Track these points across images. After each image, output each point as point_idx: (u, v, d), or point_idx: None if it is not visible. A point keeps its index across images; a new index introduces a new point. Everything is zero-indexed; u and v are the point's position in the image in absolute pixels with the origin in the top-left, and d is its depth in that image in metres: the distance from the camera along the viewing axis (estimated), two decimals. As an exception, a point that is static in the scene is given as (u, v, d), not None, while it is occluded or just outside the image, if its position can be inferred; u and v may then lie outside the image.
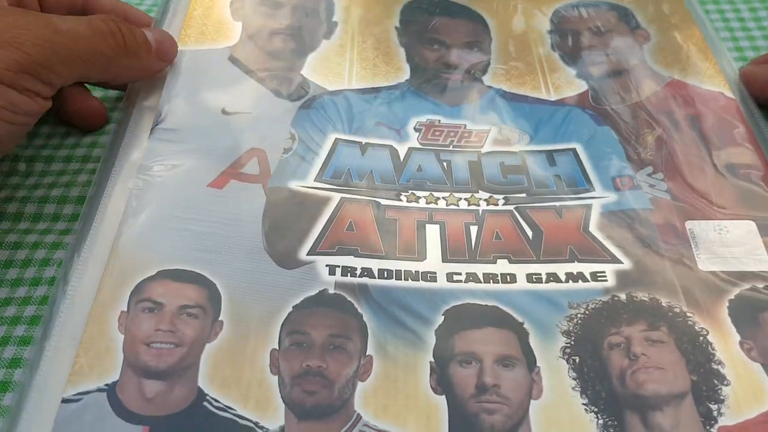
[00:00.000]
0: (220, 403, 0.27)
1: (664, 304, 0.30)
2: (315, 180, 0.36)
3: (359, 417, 0.27)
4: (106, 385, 0.27)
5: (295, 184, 0.35)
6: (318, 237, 0.33)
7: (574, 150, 0.38)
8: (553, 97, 0.41)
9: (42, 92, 0.32)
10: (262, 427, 0.26)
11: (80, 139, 0.40)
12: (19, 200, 0.37)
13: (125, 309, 0.29)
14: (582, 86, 0.41)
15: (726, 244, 0.33)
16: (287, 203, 0.34)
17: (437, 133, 0.39)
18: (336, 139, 0.38)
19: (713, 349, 0.29)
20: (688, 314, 0.30)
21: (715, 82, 0.41)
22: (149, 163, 0.34)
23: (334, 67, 0.42)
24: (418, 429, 0.27)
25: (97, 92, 0.43)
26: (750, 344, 0.29)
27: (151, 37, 0.36)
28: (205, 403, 0.27)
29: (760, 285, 0.31)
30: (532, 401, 0.27)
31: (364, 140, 0.38)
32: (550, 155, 0.37)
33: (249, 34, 0.42)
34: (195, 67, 0.39)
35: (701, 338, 0.29)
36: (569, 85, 0.42)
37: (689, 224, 0.34)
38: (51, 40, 0.31)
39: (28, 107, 0.32)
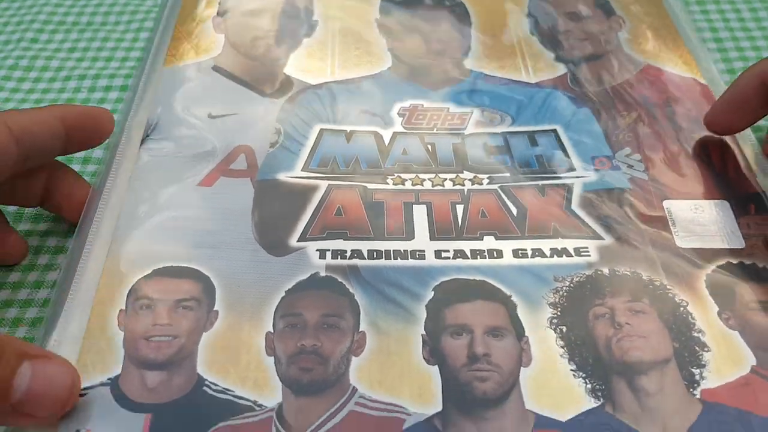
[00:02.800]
0: (218, 386, 0.28)
1: (645, 278, 0.31)
2: (302, 170, 0.36)
3: (354, 390, 0.28)
4: (109, 379, 0.28)
5: (282, 176, 0.36)
6: (307, 223, 0.34)
7: (555, 131, 0.39)
8: (533, 80, 0.42)
9: None
10: (260, 405, 0.27)
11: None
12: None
13: (123, 308, 0.30)
14: (561, 69, 0.42)
15: (702, 223, 0.34)
16: (275, 194, 0.35)
17: (421, 117, 0.39)
18: (321, 129, 0.38)
19: (693, 318, 0.30)
20: (668, 287, 0.31)
21: (687, 68, 0.42)
22: (141, 171, 0.35)
23: (317, 63, 0.42)
24: (413, 398, 0.27)
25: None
26: (728, 314, 0.30)
27: (25, 380, 0.25)
28: (205, 388, 0.28)
29: (735, 261, 0.32)
30: (522, 369, 0.28)
31: (349, 128, 0.39)
32: (532, 136, 0.38)
33: (231, 43, 0.43)
34: (180, 81, 0.40)
35: (682, 309, 0.30)
36: (548, 68, 0.43)
37: (666, 203, 0.35)
38: None
39: None
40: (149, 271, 0.31)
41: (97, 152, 0.40)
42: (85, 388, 0.27)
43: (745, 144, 0.37)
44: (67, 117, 0.33)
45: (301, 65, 0.42)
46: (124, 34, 0.48)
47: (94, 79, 0.44)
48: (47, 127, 0.32)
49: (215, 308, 0.30)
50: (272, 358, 0.28)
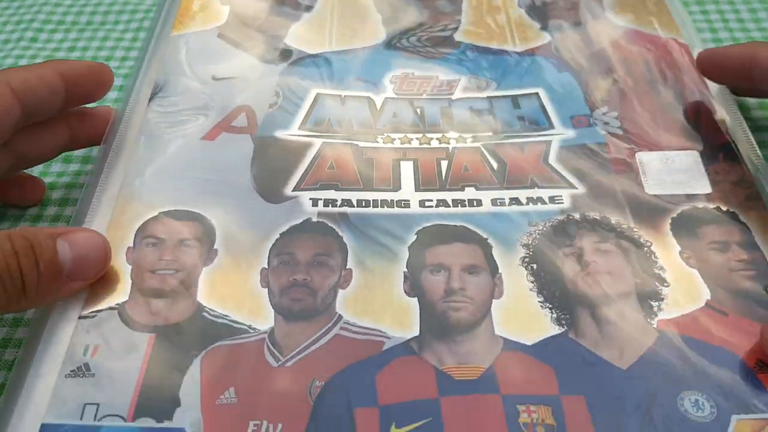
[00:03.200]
0: (217, 312, 0.30)
1: (613, 222, 0.34)
2: (298, 128, 0.39)
3: (340, 317, 0.30)
4: (117, 304, 0.31)
5: (280, 133, 0.39)
6: (302, 176, 0.36)
7: (537, 94, 0.41)
8: (519, 49, 0.44)
9: None
10: (254, 329, 0.30)
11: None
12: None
13: (131, 245, 0.33)
14: (546, 38, 0.45)
15: (671, 172, 0.36)
16: (273, 149, 0.38)
17: (411, 84, 0.42)
18: (317, 93, 0.41)
19: (656, 257, 0.32)
20: (634, 229, 0.34)
21: (668, 29, 0.44)
22: (149, 125, 0.38)
23: (315, 35, 0.45)
24: (393, 325, 0.30)
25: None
26: (689, 254, 0.33)
27: (67, 252, 0.29)
28: (204, 313, 0.30)
29: (700, 205, 0.35)
30: (494, 301, 0.31)
31: (343, 93, 0.41)
32: (515, 99, 0.41)
33: (236, 14, 0.46)
34: (187, 46, 0.44)
35: (645, 249, 0.33)
36: (534, 38, 0.45)
37: (639, 155, 0.37)
38: None
39: None
40: (156, 214, 0.34)
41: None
42: (94, 311, 0.30)
43: (716, 95, 0.40)
44: (66, 73, 0.34)
45: (301, 36, 0.45)
46: (124, 34, 0.49)
47: None
48: (47, 83, 0.33)
49: (215, 247, 0.33)
50: (266, 289, 0.31)
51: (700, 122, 0.39)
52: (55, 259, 0.28)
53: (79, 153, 0.41)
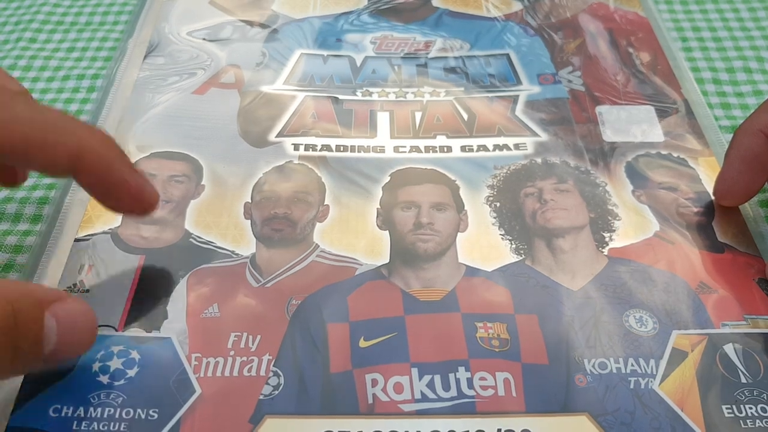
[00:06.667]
0: (203, 238, 0.33)
1: (572, 165, 0.37)
2: (283, 83, 0.42)
3: (317, 246, 0.33)
4: (110, 228, 0.33)
5: (265, 88, 0.41)
6: (285, 124, 0.39)
7: (507, 55, 0.44)
8: (493, 15, 0.47)
9: None
10: (237, 254, 0.32)
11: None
12: (18, 201, 0.37)
13: None
14: (518, 6, 0.48)
15: (627, 123, 0.39)
16: (259, 101, 0.40)
17: (390, 44, 0.45)
18: (301, 53, 0.44)
19: (610, 195, 0.35)
20: (591, 172, 0.36)
21: (631, 3, 0.47)
22: (143, 80, 0.41)
23: (300, 1, 0.48)
24: (366, 253, 0.33)
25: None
26: (640, 192, 0.35)
27: (53, 329, 0.24)
28: (191, 239, 0.33)
29: (653, 152, 0.37)
30: (459, 234, 0.33)
31: (326, 53, 0.44)
32: (487, 59, 0.43)
33: None
34: (179, 11, 0.47)
35: (600, 188, 0.35)
36: (506, 5, 0.48)
37: (599, 108, 0.40)
38: None
39: None
40: (148, 154, 0.37)
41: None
42: (89, 235, 0.33)
43: (671, 58, 0.43)
44: None
45: (287, 2, 0.48)
46: (123, 34, 0.47)
47: (93, 79, 0.44)
48: None
49: (202, 183, 0.35)
50: (249, 221, 0.34)
51: (656, 80, 0.41)
52: (38, 339, 0.23)
53: (73, 108, 0.43)
